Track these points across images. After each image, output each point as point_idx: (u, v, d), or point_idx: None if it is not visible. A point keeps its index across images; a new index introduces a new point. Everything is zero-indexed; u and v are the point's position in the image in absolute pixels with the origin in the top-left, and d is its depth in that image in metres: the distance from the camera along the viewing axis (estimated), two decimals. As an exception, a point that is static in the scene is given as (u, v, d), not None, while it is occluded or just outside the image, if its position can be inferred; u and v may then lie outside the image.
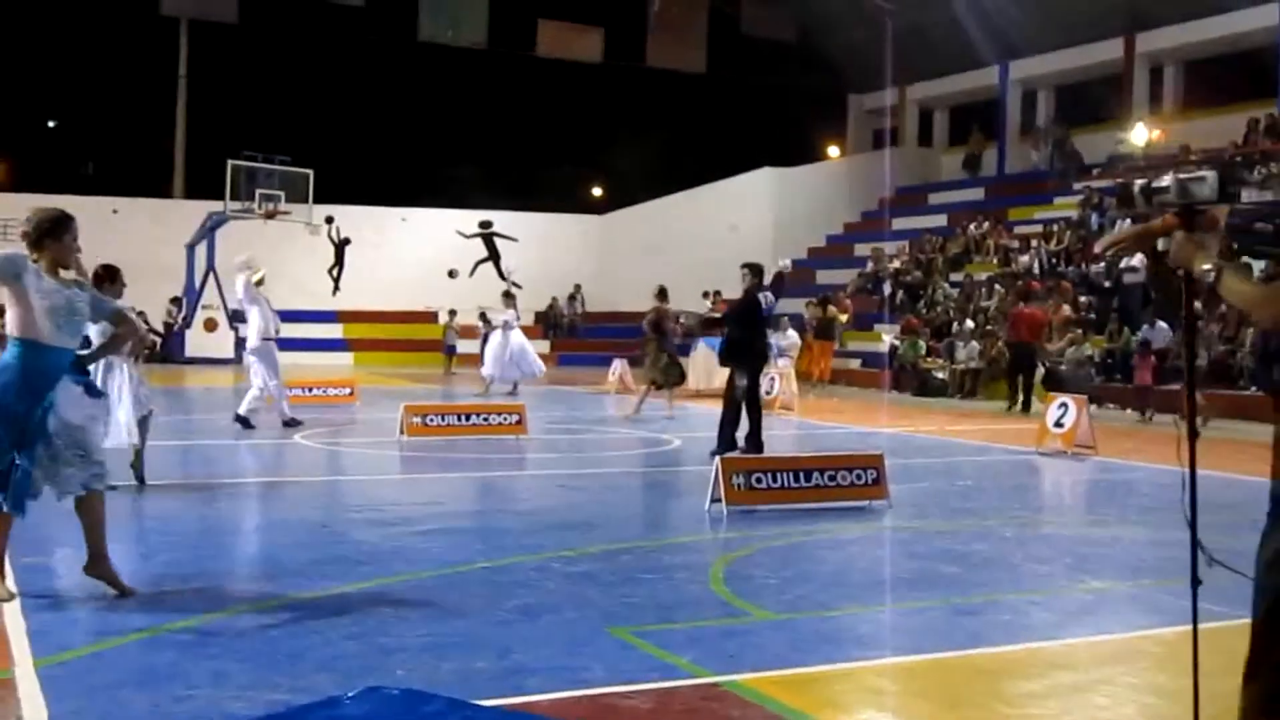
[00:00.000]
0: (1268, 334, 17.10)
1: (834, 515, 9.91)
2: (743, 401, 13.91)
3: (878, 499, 10.42)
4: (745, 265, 14.48)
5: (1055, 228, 29.77)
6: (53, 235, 6.75)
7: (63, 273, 6.76)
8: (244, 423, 16.02)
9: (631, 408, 19.34)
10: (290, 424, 16.40)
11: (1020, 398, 21.63)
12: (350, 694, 4.46)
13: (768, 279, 14.40)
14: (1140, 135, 31.96)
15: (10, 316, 6.61)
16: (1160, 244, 4.53)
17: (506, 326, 24.17)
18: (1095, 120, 35.42)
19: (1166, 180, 4.42)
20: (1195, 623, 4.26)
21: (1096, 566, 8.26)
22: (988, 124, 38.66)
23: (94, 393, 7.19)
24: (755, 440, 13.79)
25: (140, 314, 32.85)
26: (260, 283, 16.73)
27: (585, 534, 9.10)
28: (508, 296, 25.34)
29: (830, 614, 6.75)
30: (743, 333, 14.17)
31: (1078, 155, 34.24)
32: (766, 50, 39.91)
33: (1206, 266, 4.07)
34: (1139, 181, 4.58)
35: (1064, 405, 15.14)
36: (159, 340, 33.73)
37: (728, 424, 13.90)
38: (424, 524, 9.45)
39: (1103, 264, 25.44)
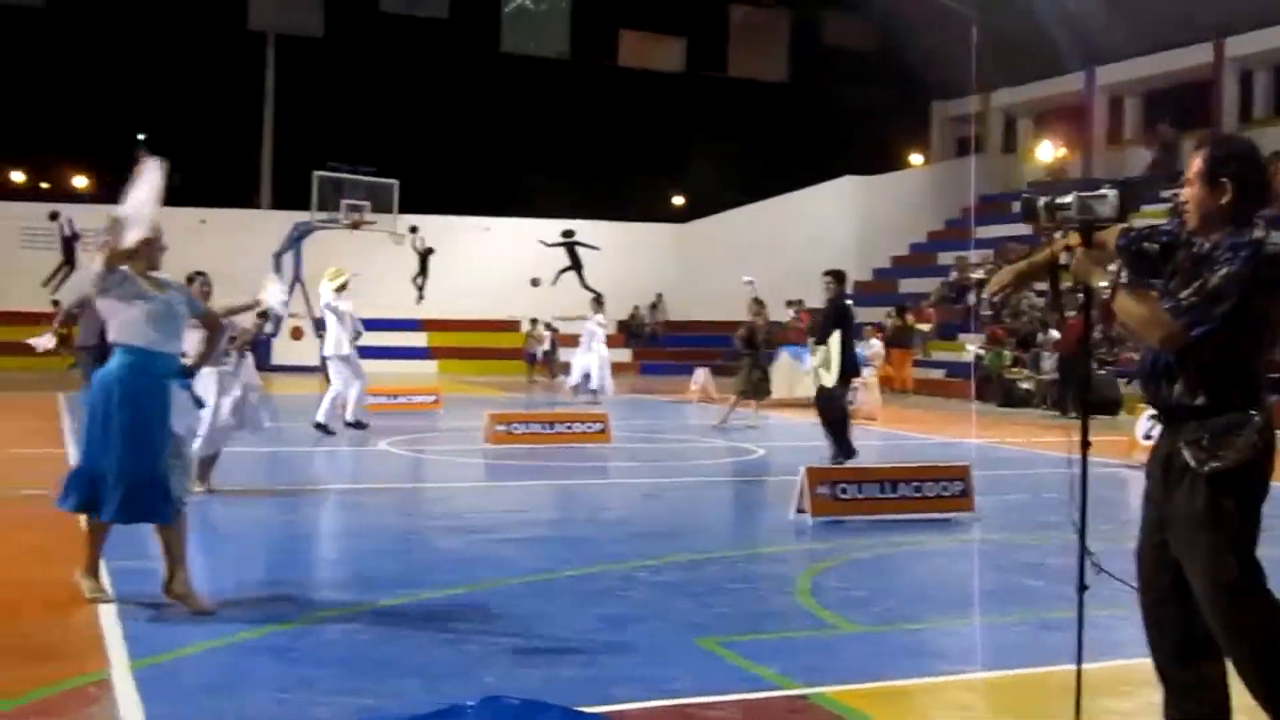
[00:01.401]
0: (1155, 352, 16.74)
1: (920, 527, 9.81)
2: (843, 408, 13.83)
3: (964, 511, 10.31)
4: (828, 273, 14.37)
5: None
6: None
7: (154, 275, 6.79)
8: (323, 429, 16.17)
9: (718, 417, 19.28)
10: (355, 425, 16.49)
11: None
12: (471, 702, 4.51)
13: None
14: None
15: (110, 326, 6.66)
16: (1063, 258, 4.60)
17: (590, 335, 24.22)
18: (1184, 127, 34.85)
19: (1069, 197, 4.45)
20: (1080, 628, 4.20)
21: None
22: (1072, 131, 38.15)
23: (198, 402, 7.25)
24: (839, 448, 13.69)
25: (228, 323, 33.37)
26: (343, 288, 16.81)
27: (670, 543, 9.09)
28: (598, 302, 25.32)
29: (917, 627, 6.69)
30: (840, 342, 14.06)
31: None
32: (848, 58, 39.70)
33: (1103, 284, 4.15)
34: (1043, 197, 4.61)
35: (1155, 417, 14.87)
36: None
37: (843, 430, 13.77)
38: (509, 531, 9.49)
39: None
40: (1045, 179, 30.68)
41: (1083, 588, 4.32)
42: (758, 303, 20.05)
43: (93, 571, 6.74)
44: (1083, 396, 4.82)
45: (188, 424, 6.90)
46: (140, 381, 6.55)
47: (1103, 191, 4.39)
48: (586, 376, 23.87)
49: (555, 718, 4.61)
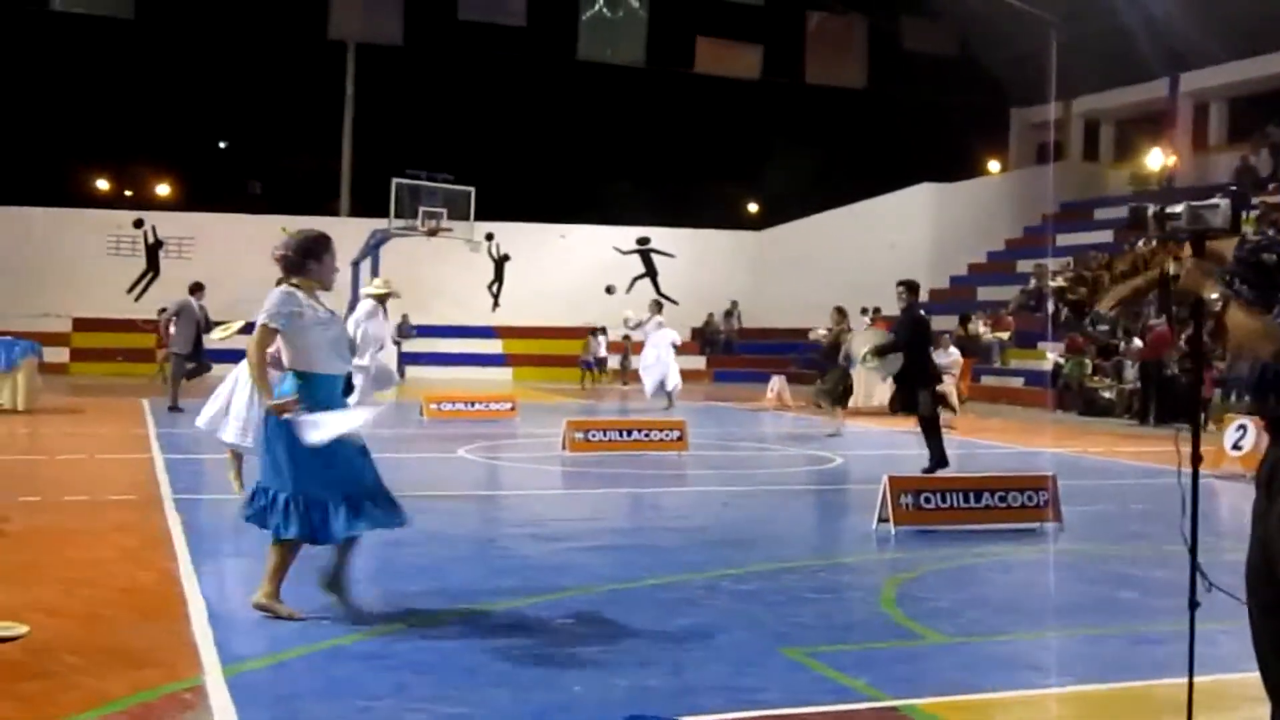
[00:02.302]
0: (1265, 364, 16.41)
1: (1004, 537, 9.70)
2: (931, 418, 13.82)
3: (1049, 521, 10.17)
4: (902, 283, 14.34)
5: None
6: (314, 256, 6.68)
7: (321, 295, 6.70)
8: None
9: (829, 429, 19.14)
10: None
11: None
12: None
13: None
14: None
15: (287, 352, 6.56)
16: (1172, 269, 4.49)
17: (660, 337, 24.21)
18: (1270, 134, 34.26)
19: (1179, 207, 4.35)
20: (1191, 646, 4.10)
21: (1285, 596, 7.94)
22: (1157, 137, 37.64)
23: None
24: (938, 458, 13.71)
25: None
26: (383, 298, 15.85)
27: (750, 552, 9.04)
28: (658, 306, 25.32)
29: (1005, 638, 6.60)
30: (918, 353, 14.04)
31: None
32: (927, 65, 39.40)
33: (1214, 296, 4.03)
34: (1152, 207, 4.50)
35: (1242, 427, 14.62)
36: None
37: (937, 439, 13.76)
38: (589, 540, 9.50)
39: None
40: (1153, 187, 30.25)
41: (1194, 604, 4.23)
42: (840, 313, 20.01)
43: (277, 594, 6.57)
44: (1192, 408, 4.72)
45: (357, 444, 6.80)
46: (333, 406, 6.53)
47: (1214, 201, 4.30)
48: (663, 381, 23.88)
49: None
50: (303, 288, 6.62)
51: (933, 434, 13.77)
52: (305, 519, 6.40)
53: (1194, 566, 4.26)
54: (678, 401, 23.80)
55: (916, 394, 13.92)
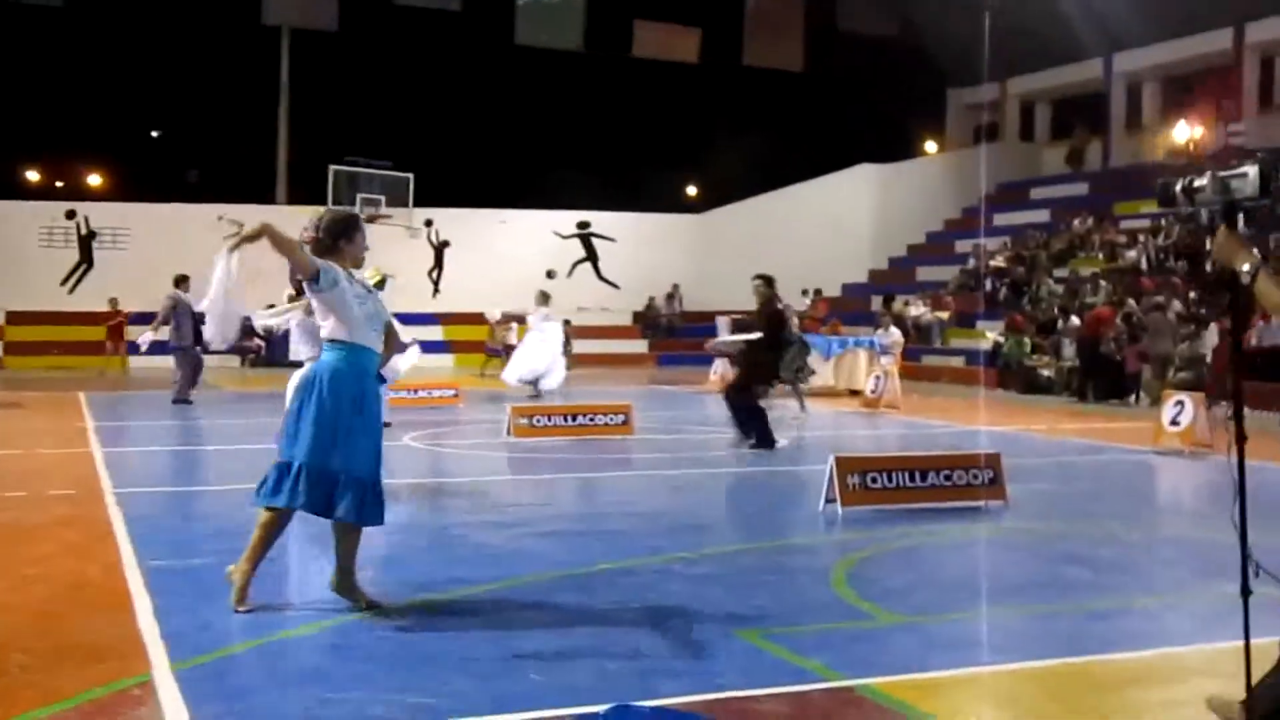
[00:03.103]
0: None
1: (951, 516, 9.78)
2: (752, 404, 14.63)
3: (995, 500, 10.27)
4: (759, 276, 15.03)
5: (1164, 222, 29.23)
6: (346, 236, 6.63)
7: (356, 274, 6.69)
8: None
9: (797, 412, 19.11)
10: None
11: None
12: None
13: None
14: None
15: (326, 323, 6.53)
16: (1209, 243, 4.56)
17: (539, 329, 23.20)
18: (1204, 113, 34.69)
19: (1205, 178, 4.35)
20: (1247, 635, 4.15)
21: (1229, 569, 8.02)
22: (1092, 118, 38.03)
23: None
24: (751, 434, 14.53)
25: (246, 319, 33.44)
26: (379, 284, 15.96)
27: (703, 535, 9.07)
28: (544, 297, 24.10)
29: (958, 617, 6.65)
30: (771, 345, 14.77)
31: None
32: (864, 46, 39.56)
33: (1245, 267, 4.06)
34: (1179, 179, 4.51)
35: (1180, 403, 14.83)
36: (263, 344, 34.22)
37: (762, 420, 14.53)
38: (542, 526, 9.48)
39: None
40: (1179, 160, 30.36)
41: (1246, 592, 4.25)
42: (767, 282, 19.64)
43: (253, 566, 6.56)
44: (1236, 389, 4.69)
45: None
46: (367, 382, 6.52)
47: (1243, 169, 4.27)
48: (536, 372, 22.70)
49: None
50: (344, 268, 6.58)
51: (760, 419, 14.49)
52: (292, 487, 6.41)
53: (1244, 554, 4.25)
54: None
55: (755, 384, 14.72)
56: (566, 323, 26.68)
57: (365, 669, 5.46)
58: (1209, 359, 21.36)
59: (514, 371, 22.83)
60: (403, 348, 11.74)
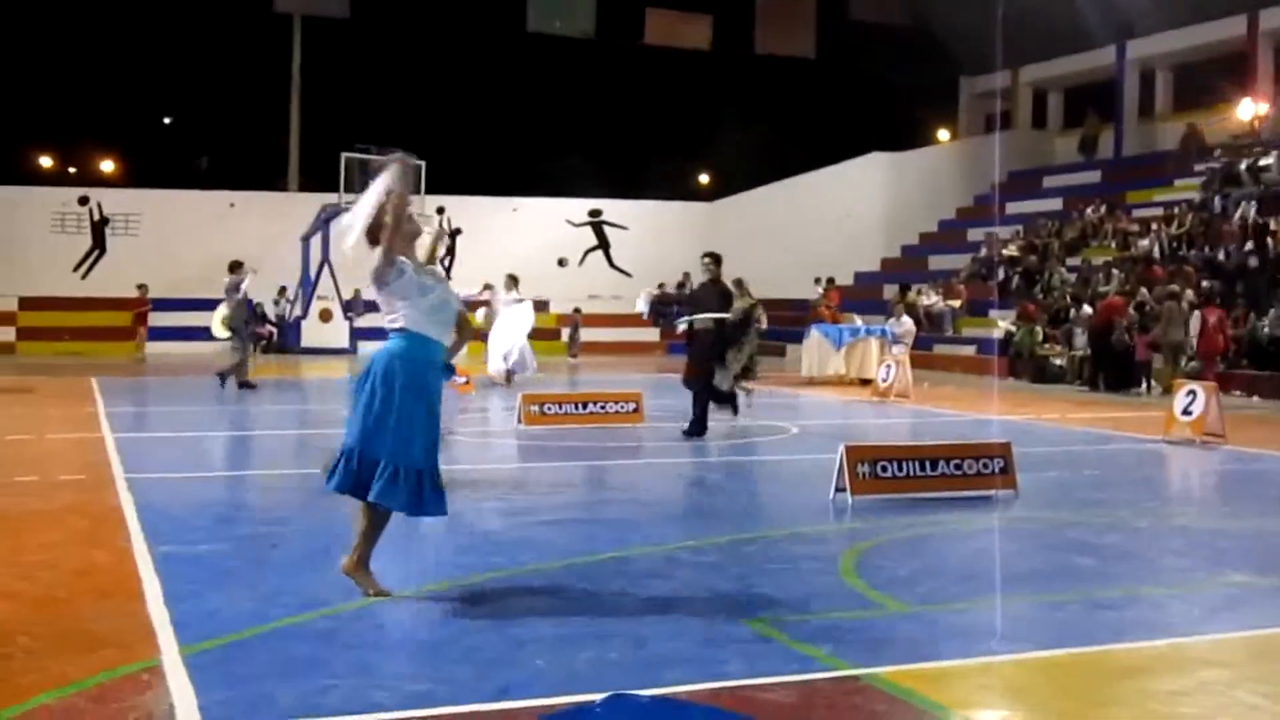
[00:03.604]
0: None
1: (960, 505, 9.76)
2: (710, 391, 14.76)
3: (1005, 489, 10.25)
4: (708, 254, 14.98)
5: (1176, 210, 29.12)
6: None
7: (429, 267, 6.67)
8: None
9: (743, 403, 18.98)
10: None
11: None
12: (598, 704, 4.42)
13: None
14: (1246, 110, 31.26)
15: (390, 311, 6.48)
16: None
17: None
18: (1217, 101, 34.57)
19: (1271, 158, 4.29)
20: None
21: (1238, 560, 8.04)
22: (1104, 106, 37.88)
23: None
24: (701, 425, 14.59)
25: (258, 305, 33.65)
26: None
27: (710, 524, 9.06)
28: (514, 281, 23.97)
29: (966, 606, 6.63)
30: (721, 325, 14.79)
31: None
32: (876, 34, 39.49)
33: None
34: (1244, 160, 4.44)
35: (1192, 393, 14.77)
36: (274, 331, 34.30)
37: (705, 408, 14.71)
38: (549, 514, 9.47)
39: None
40: (1244, 140, 30.15)
41: None
42: (739, 285, 19.36)
43: (366, 565, 6.54)
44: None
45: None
46: (430, 372, 6.46)
47: None
48: (506, 357, 22.55)
49: (685, 714, 4.54)
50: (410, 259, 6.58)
51: (704, 403, 14.63)
52: (351, 473, 6.38)
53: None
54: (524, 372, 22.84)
55: (714, 367, 14.88)
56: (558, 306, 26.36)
57: (368, 656, 5.46)
58: (1195, 344, 21.37)
59: (494, 361, 22.68)
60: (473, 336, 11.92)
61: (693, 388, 14.77)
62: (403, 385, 6.33)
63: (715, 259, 14.80)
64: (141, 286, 31.29)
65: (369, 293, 20.89)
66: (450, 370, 6.92)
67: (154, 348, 32.14)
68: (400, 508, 6.40)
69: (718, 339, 14.88)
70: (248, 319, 20.72)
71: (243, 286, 20.41)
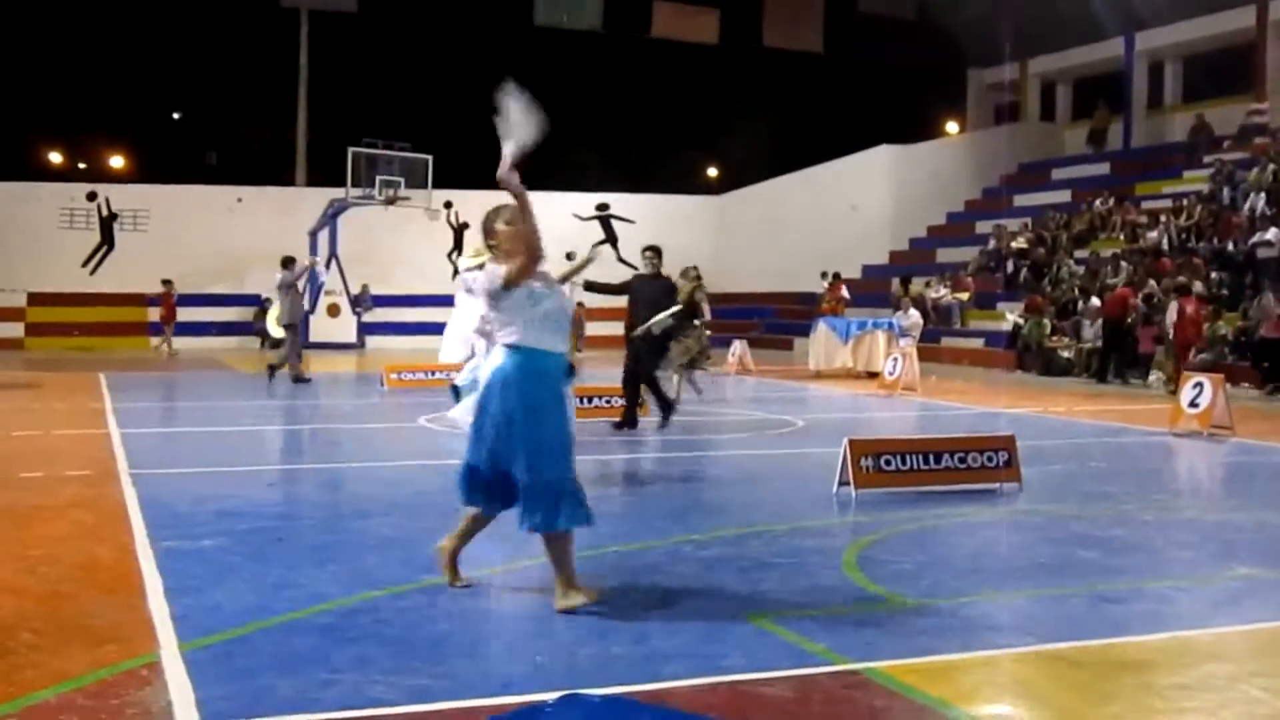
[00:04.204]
0: None
1: (965, 499, 9.74)
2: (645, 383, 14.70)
3: (1009, 482, 10.23)
4: (649, 248, 14.84)
5: (1185, 202, 29.04)
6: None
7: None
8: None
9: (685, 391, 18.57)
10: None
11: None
12: (549, 704, 4.40)
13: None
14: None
15: (513, 325, 6.23)
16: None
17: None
18: (1225, 92, 34.47)
19: None
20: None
21: (1244, 552, 8.01)
22: (1113, 97, 37.79)
23: None
24: (631, 417, 14.60)
25: (265, 300, 33.73)
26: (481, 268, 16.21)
27: (713, 518, 9.05)
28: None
29: (969, 600, 6.61)
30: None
31: None
32: (884, 27, 39.41)
33: None
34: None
35: (1199, 385, 14.73)
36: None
37: (659, 392, 14.83)
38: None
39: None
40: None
41: None
42: (684, 274, 19.03)
43: (455, 557, 6.60)
44: None
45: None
46: (548, 384, 6.24)
47: None
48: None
49: (637, 714, 4.53)
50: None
51: (657, 387, 14.83)
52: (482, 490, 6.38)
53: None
54: None
55: (656, 362, 14.83)
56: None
57: (368, 651, 5.45)
58: (1171, 334, 21.35)
59: (448, 350, 22.37)
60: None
61: (635, 383, 14.69)
62: (524, 403, 6.12)
63: (657, 252, 14.71)
64: (167, 282, 31.42)
65: (376, 288, 20.95)
66: (572, 373, 6.72)
67: (158, 343, 32.23)
68: (537, 527, 6.18)
69: (661, 333, 14.75)
70: (301, 313, 20.78)
71: (302, 281, 20.53)
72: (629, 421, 14.54)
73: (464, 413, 10.69)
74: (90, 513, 8.89)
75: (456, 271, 36.58)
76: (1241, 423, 14.70)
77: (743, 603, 6.41)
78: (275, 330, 21.03)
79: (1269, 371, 20.48)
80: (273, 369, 20.42)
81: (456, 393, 14.30)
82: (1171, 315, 21.43)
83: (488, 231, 6.49)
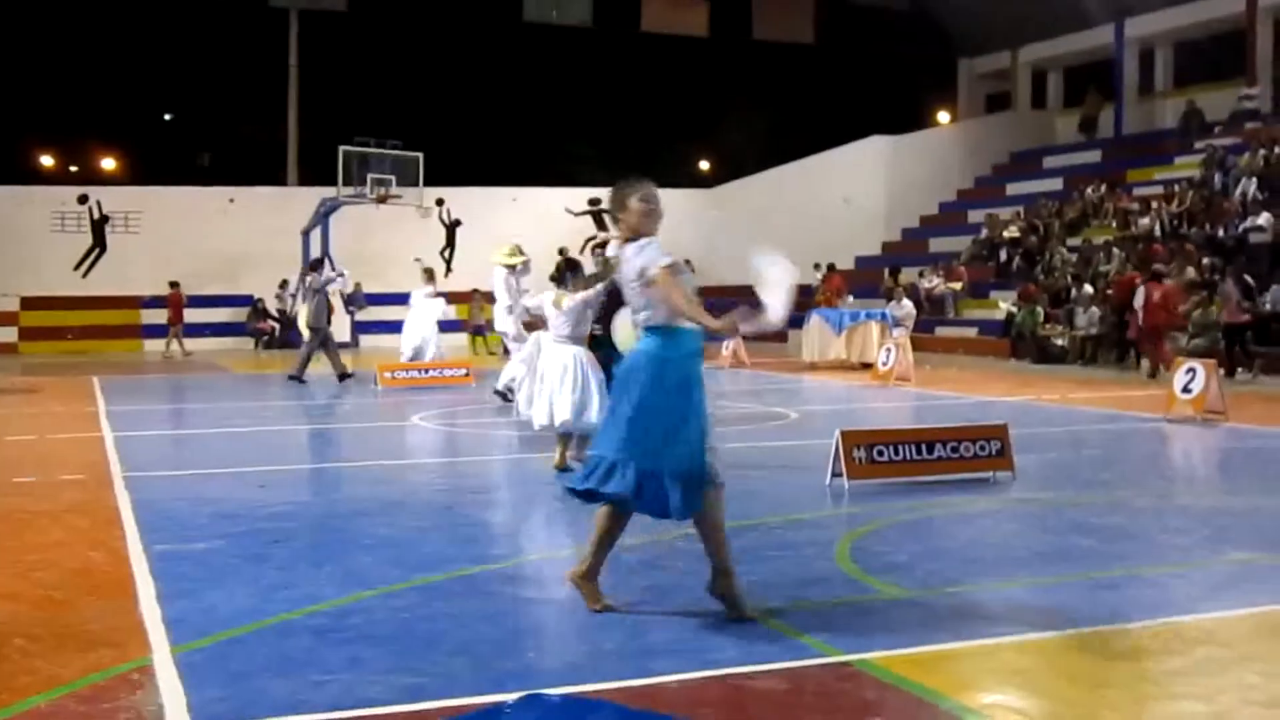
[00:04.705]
0: None
1: (959, 488, 9.74)
2: None
3: (1003, 470, 10.23)
4: (598, 245, 14.46)
5: (1177, 189, 29.03)
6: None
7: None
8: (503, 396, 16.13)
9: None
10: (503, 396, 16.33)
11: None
12: (509, 704, 4.39)
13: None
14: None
15: (658, 306, 6.00)
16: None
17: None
18: (1216, 78, 34.47)
19: None
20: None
21: (1238, 537, 8.02)
22: (1104, 84, 37.78)
23: None
24: None
25: (258, 301, 33.61)
26: (512, 268, 16.31)
27: (708, 512, 9.03)
28: (429, 274, 23.20)
29: (963, 590, 6.61)
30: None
31: None
32: (875, 17, 39.40)
33: None
34: None
35: (1192, 370, 14.74)
36: (278, 326, 34.30)
37: None
38: (547, 505, 9.47)
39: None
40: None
41: None
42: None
43: (595, 576, 6.17)
44: None
45: None
46: (694, 364, 6.09)
47: None
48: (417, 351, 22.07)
49: (605, 717, 4.52)
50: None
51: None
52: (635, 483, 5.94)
53: None
54: None
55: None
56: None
57: (363, 651, 5.45)
58: (1141, 318, 21.43)
59: (405, 353, 22.31)
60: None
61: None
62: (678, 383, 5.97)
63: (604, 246, 14.20)
64: (174, 284, 31.46)
65: (369, 287, 20.85)
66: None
67: (152, 345, 32.22)
68: (679, 514, 6.01)
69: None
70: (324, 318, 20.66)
71: (332, 286, 20.49)
72: None
73: (538, 411, 10.76)
74: (84, 517, 8.88)
75: (449, 270, 36.61)
76: (1235, 408, 14.71)
77: (736, 596, 6.40)
78: (309, 335, 20.99)
79: (1231, 355, 20.55)
80: (342, 376, 20.36)
81: (503, 396, 14.17)
82: (1139, 301, 21.52)
83: (620, 205, 6.18)
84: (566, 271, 11.18)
